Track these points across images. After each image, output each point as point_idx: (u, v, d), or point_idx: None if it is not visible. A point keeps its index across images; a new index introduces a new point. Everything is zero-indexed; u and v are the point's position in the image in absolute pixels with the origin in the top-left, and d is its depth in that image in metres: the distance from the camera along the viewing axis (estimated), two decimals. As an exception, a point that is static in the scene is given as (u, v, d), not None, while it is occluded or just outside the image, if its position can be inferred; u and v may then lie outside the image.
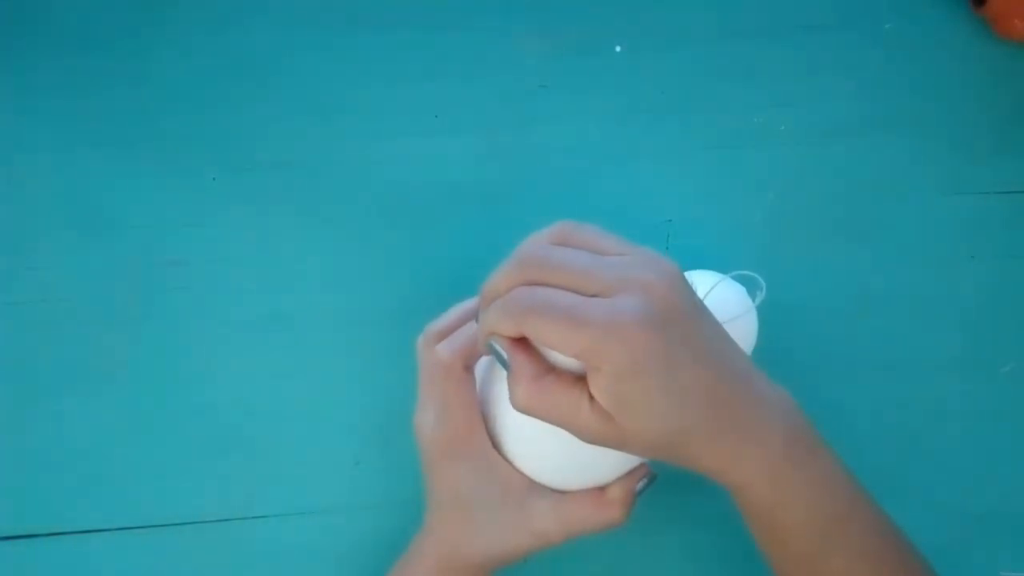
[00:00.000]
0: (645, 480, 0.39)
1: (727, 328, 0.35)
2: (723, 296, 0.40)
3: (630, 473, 0.38)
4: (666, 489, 0.44)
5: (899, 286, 0.49)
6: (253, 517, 0.45)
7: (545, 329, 0.30)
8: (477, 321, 0.34)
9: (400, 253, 0.49)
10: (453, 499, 0.38)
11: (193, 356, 0.47)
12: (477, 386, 0.40)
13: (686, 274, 0.34)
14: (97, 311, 0.47)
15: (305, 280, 0.49)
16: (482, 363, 0.41)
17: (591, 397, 0.31)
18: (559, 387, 0.31)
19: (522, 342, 0.32)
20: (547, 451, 0.37)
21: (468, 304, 0.40)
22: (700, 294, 0.36)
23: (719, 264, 0.49)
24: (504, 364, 0.32)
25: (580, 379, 0.31)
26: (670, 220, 0.50)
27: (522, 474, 0.38)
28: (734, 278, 0.41)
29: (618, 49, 0.52)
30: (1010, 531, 0.46)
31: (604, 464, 0.38)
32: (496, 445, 0.39)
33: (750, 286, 0.41)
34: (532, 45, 0.52)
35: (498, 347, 0.32)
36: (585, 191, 0.50)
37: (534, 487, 0.38)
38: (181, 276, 0.48)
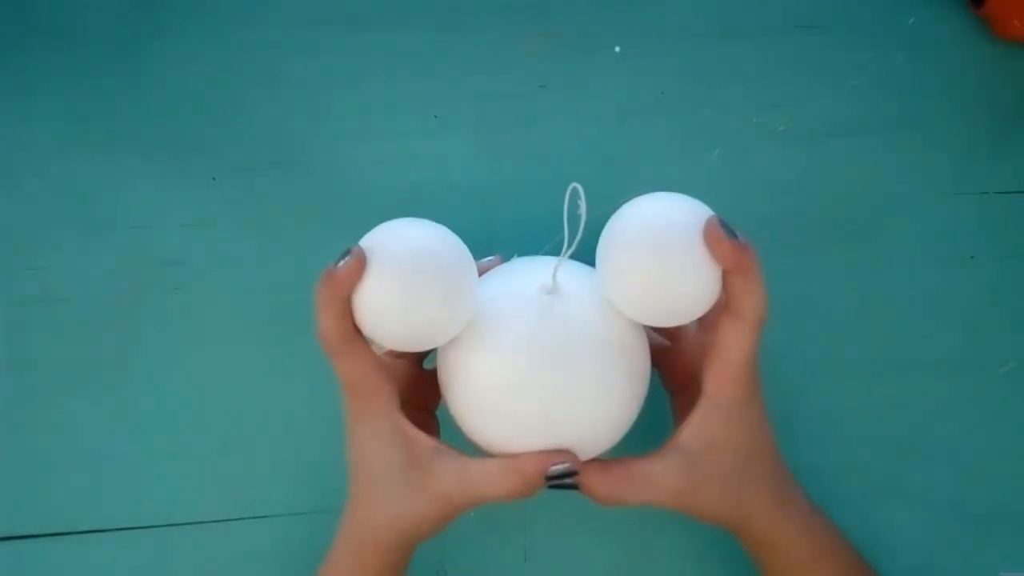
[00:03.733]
0: (566, 466, 0.36)
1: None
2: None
3: (553, 452, 0.36)
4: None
5: (899, 286, 0.49)
6: (253, 517, 0.45)
7: None
8: None
9: (400, 253, 0.49)
10: (362, 464, 0.37)
11: (193, 356, 0.47)
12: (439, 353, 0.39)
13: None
14: (97, 311, 0.47)
15: (305, 280, 0.48)
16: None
17: None
18: None
19: None
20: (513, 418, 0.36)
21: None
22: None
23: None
24: None
25: None
26: (670, 220, 0.50)
27: (429, 437, 0.37)
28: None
29: (618, 49, 0.52)
30: (1010, 531, 0.46)
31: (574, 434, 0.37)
32: (458, 414, 0.38)
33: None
34: (532, 45, 0.52)
35: None
36: (585, 191, 0.50)
37: (442, 450, 0.36)
38: (181, 276, 0.48)
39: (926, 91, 0.52)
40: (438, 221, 0.50)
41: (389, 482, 0.36)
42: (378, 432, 0.37)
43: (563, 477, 0.36)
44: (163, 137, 0.50)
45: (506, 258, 0.43)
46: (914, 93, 0.52)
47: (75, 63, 0.51)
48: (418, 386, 0.41)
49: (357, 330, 0.36)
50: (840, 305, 0.49)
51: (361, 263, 0.35)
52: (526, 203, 0.50)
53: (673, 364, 0.42)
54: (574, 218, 0.37)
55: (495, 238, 0.49)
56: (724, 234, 0.34)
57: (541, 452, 0.36)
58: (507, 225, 0.49)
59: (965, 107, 0.52)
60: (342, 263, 0.35)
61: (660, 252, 0.35)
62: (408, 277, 0.35)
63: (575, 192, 0.37)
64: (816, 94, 0.51)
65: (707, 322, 0.40)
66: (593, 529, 0.46)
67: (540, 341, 0.36)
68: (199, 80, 0.51)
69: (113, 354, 0.47)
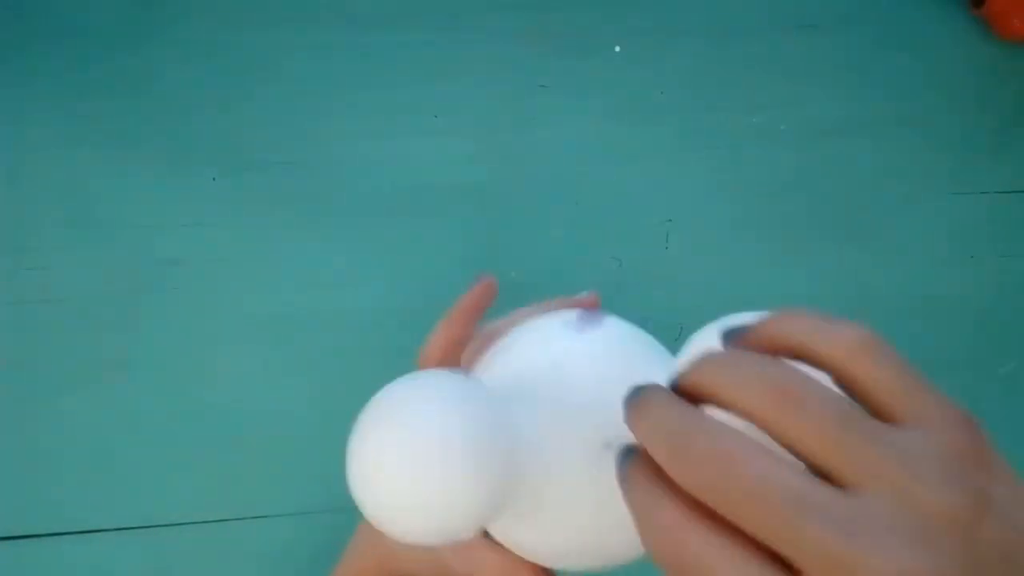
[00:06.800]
0: None
1: None
2: None
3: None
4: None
5: (899, 286, 0.49)
6: (253, 517, 0.45)
7: (742, 516, 0.18)
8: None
9: (400, 253, 0.49)
10: None
11: (193, 356, 0.47)
12: None
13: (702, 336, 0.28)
14: (97, 311, 0.47)
15: (305, 280, 0.49)
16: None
17: None
18: None
19: None
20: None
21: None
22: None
23: (719, 266, 0.49)
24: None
25: None
26: (670, 220, 0.50)
27: None
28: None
29: (617, 49, 0.52)
30: (1010, 531, 0.46)
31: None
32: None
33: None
34: (532, 45, 0.52)
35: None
36: (585, 191, 0.50)
37: None
38: (181, 276, 0.48)
39: (926, 91, 0.52)
40: (438, 221, 0.50)
41: None
42: None
43: None
44: (163, 137, 0.50)
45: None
46: (914, 93, 0.52)
47: (75, 63, 0.51)
48: None
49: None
50: (840, 305, 0.49)
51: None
52: (526, 203, 0.50)
53: None
54: None
55: (495, 238, 0.49)
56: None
57: (544, 570, 0.35)
58: (507, 224, 0.49)
59: (965, 107, 0.52)
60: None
61: None
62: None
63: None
64: (816, 94, 0.51)
65: None
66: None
67: (600, 511, 0.31)
68: (199, 81, 0.51)
69: (113, 354, 0.47)
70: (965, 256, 0.50)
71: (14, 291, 0.48)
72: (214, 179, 0.49)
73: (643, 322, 0.42)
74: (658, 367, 0.30)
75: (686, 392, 0.21)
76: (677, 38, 0.52)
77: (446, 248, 0.49)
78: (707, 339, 0.28)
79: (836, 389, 0.19)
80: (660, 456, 0.19)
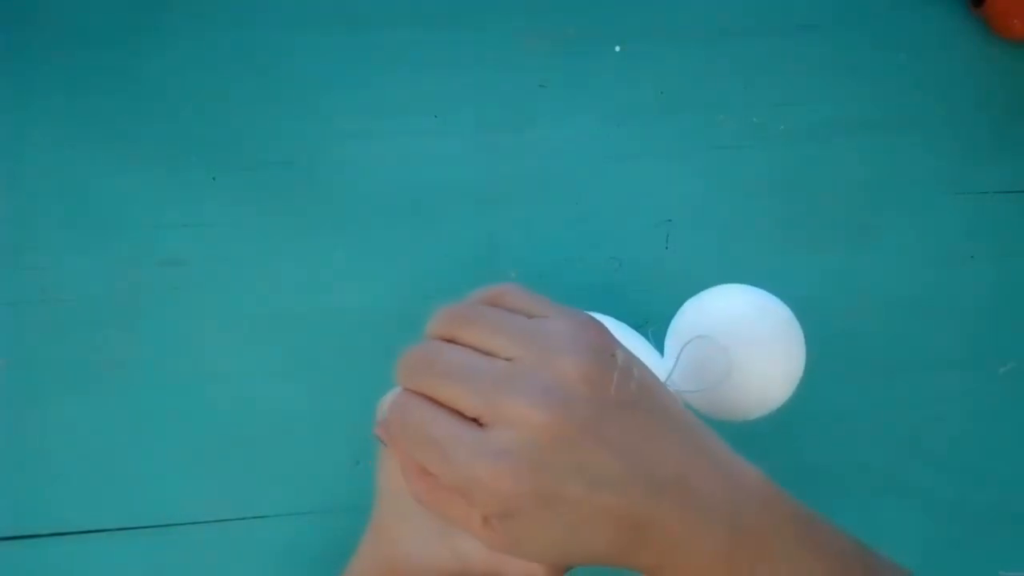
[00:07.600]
0: None
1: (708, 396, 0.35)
2: (699, 357, 0.36)
3: None
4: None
5: (899, 286, 0.49)
6: (253, 517, 0.45)
7: (417, 456, 0.30)
8: None
9: (400, 253, 0.49)
10: (391, 495, 0.37)
11: (193, 356, 0.47)
12: None
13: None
14: (96, 311, 0.47)
15: (305, 280, 0.49)
16: None
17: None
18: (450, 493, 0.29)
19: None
20: None
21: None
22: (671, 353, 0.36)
23: (719, 266, 0.49)
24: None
25: None
26: (670, 220, 0.50)
27: None
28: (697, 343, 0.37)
29: (618, 49, 0.52)
30: (1010, 531, 0.46)
31: None
32: None
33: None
34: (532, 45, 0.52)
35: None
36: (585, 191, 0.50)
37: None
38: (181, 276, 0.48)
39: (926, 91, 0.52)
40: (438, 221, 0.50)
41: (416, 523, 0.35)
42: None
43: None
44: (163, 137, 0.50)
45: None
46: (914, 93, 0.52)
47: (75, 63, 0.51)
48: None
49: None
50: (840, 305, 0.49)
51: None
52: (526, 203, 0.50)
53: None
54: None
55: (495, 238, 0.49)
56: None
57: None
58: (506, 224, 0.49)
59: (964, 107, 0.52)
60: None
61: (751, 351, 0.35)
62: None
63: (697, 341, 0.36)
64: (816, 94, 0.51)
65: None
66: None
67: None
68: (199, 80, 0.51)
69: (113, 354, 0.47)
70: (965, 256, 0.50)
71: (13, 291, 0.48)
72: (214, 179, 0.49)
73: (643, 322, 0.42)
74: (642, 349, 0.34)
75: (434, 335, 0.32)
76: (677, 38, 0.52)
77: (446, 248, 0.49)
78: (687, 313, 0.33)
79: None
80: (405, 374, 0.31)
